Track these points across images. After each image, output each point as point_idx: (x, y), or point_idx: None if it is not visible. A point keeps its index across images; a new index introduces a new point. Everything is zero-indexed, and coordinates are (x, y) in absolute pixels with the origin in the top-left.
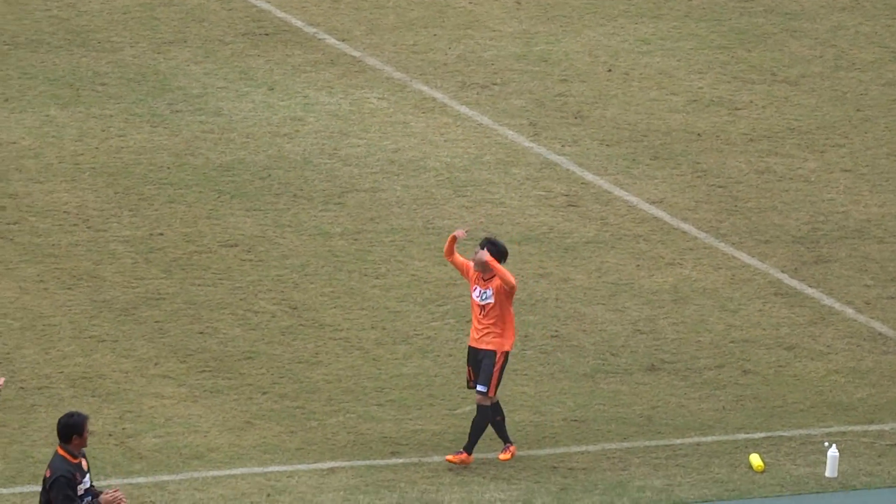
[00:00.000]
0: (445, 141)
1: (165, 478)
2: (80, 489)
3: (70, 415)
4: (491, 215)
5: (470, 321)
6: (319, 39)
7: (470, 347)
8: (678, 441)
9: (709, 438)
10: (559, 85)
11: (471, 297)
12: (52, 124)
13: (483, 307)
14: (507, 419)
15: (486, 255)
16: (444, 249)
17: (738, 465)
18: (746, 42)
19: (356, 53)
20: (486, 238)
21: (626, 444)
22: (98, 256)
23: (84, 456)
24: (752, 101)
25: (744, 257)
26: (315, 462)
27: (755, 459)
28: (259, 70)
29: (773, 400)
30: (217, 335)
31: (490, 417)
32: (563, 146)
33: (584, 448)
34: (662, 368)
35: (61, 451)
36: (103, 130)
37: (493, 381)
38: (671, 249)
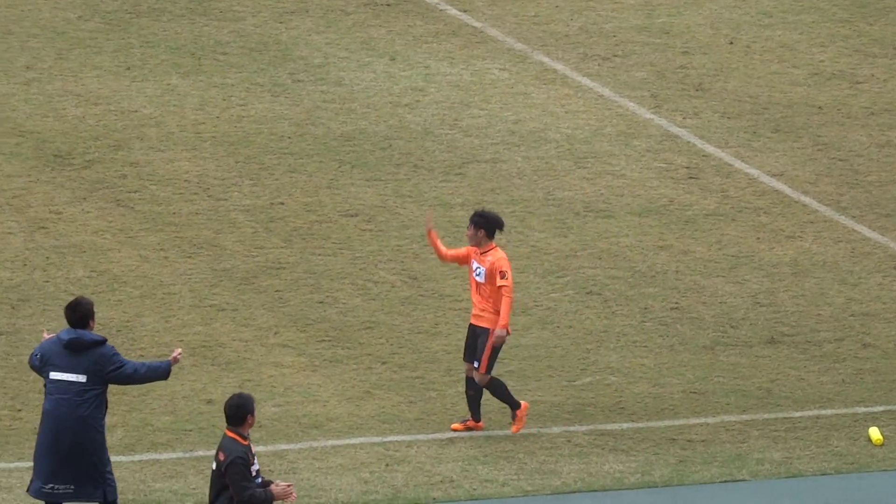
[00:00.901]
0: (566, 112)
1: (284, 447)
2: (253, 471)
3: (239, 395)
4: (611, 187)
5: None
6: (441, 10)
7: (470, 324)
8: (797, 414)
9: (828, 412)
10: (681, 57)
11: (470, 272)
12: (173, 93)
13: (478, 285)
14: (624, 390)
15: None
16: (436, 254)
17: (858, 438)
18: (868, 16)
19: (478, 24)
20: (477, 211)
21: (745, 417)
22: (218, 225)
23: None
24: (873, 75)
25: (864, 231)
26: (434, 432)
27: (874, 433)
28: (380, 40)
29: (893, 374)
30: (337, 305)
31: (497, 382)
32: (684, 118)
33: (702, 420)
34: (782, 341)
35: (231, 434)
36: (224, 100)
37: (485, 359)
38: (791, 222)
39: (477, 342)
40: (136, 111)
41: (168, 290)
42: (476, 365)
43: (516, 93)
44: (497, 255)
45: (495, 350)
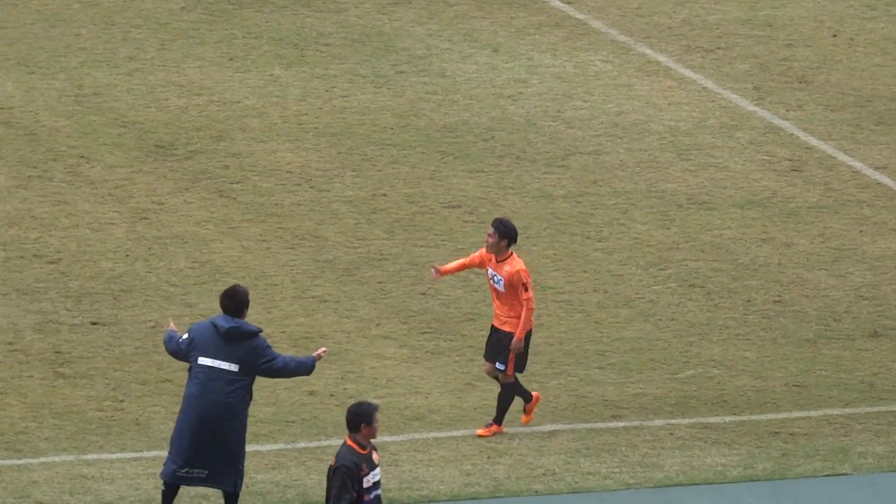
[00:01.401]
0: (669, 104)
1: (387, 439)
2: (368, 481)
3: (359, 404)
4: (714, 179)
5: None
6: (544, 2)
7: (492, 326)
8: None
9: None
10: (784, 49)
11: (487, 277)
12: (276, 84)
13: (497, 291)
14: (727, 383)
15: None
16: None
17: None
18: None
19: (581, 16)
20: (500, 220)
21: (847, 410)
22: (321, 216)
23: (374, 448)
24: None
25: None
26: (536, 424)
27: None
28: (483, 32)
29: None
30: (439, 296)
31: (513, 390)
32: (787, 111)
33: (805, 413)
34: (885, 335)
35: (349, 442)
36: (327, 91)
37: (511, 364)
38: (895, 215)
39: (500, 344)
40: (239, 102)
41: (270, 280)
42: (499, 366)
43: (619, 84)
44: (516, 266)
45: (518, 354)
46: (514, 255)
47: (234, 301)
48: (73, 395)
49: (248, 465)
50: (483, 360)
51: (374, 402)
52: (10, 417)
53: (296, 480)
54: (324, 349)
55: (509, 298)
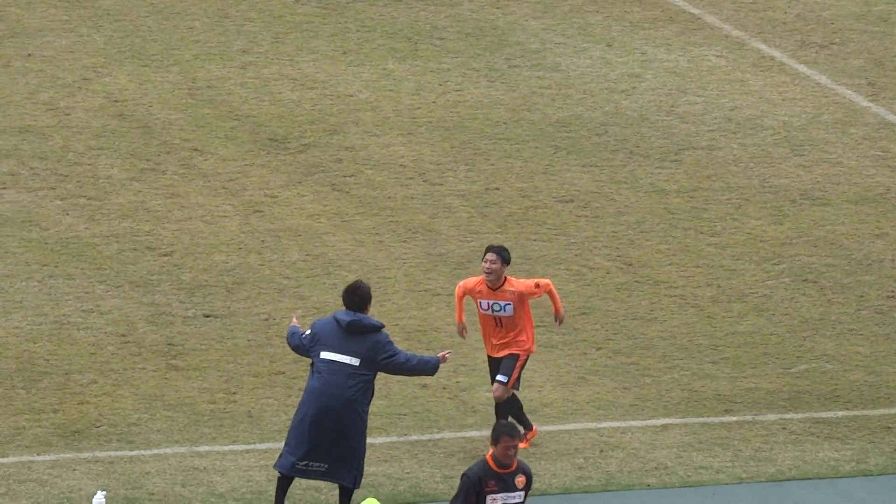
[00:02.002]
0: (783, 100)
1: None
2: (495, 500)
3: (500, 422)
4: (828, 175)
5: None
6: None
7: (490, 357)
8: None
9: None
10: None
11: (478, 309)
12: (389, 78)
13: (499, 319)
14: (840, 378)
15: (492, 265)
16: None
17: None
18: None
19: (695, 11)
20: (501, 246)
21: None
22: (434, 210)
23: (526, 473)
24: None
25: None
26: (648, 418)
27: None
28: (597, 26)
29: None
30: None
31: (515, 402)
32: None
33: None
34: None
35: (488, 455)
36: (440, 84)
37: (514, 376)
38: None
39: (500, 363)
40: (352, 95)
41: (383, 274)
42: (501, 378)
43: (733, 80)
44: (519, 282)
45: (523, 366)
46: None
47: (357, 296)
48: (185, 387)
49: None
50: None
51: (510, 423)
52: (123, 409)
53: (408, 473)
54: (448, 352)
55: (515, 319)
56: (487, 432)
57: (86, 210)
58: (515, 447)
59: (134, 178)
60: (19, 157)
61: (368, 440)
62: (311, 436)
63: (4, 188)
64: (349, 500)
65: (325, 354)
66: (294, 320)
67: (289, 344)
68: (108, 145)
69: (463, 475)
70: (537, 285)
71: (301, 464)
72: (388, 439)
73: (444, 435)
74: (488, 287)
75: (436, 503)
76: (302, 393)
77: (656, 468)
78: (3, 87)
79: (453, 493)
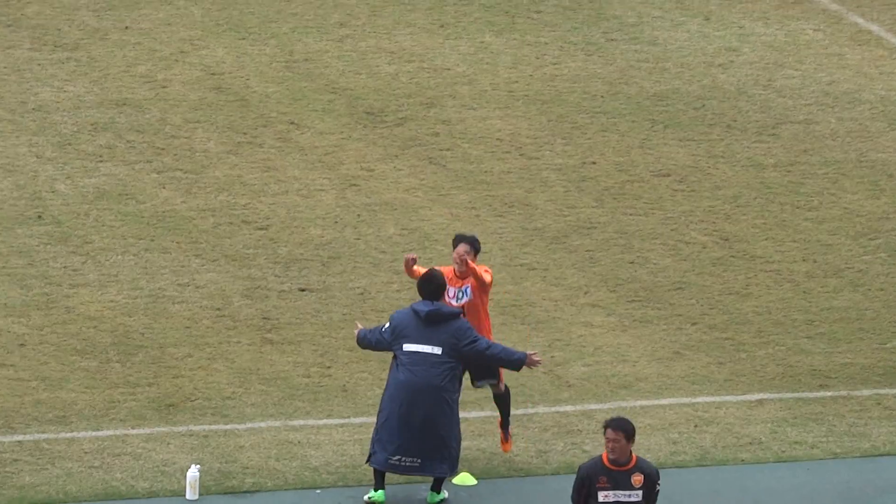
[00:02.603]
0: (881, 74)
1: (593, 406)
2: (606, 496)
3: (610, 418)
4: None
5: None
6: None
7: None
8: None
9: None
10: None
11: (447, 301)
12: (486, 51)
13: (462, 309)
14: None
15: (467, 255)
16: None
17: None
18: None
19: None
20: (459, 234)
21: None
22: (530, 184)
23: (643, 472)
24: None
25: None
26: (743, 393)
27: None
28: (695, 0)
29: None
30: (647, 265)
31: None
32: None
33: None
34: None
35: (605, 451)
36: (538, 58)
37: (501, 375)
38: None
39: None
40: (449, 69)
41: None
42: (491, 381)
43: (830, 53)
44: (480, 266)
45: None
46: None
47: (432, 285)
48: (280, 361)
49: None
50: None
51: (619, 420)
52: (218, 383)
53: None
54: (537, 355)
55: (475, 305)
56: (582, 407)
57: (182, 183)
58: (616, 441)
59: (230, 151)
60: (116, 131)
61: (463, 415)
62: (402, 430)
63: (101, 161)
64: (441, 483)
65: (407, 346)
66: (358, 326)
67: (365, 344)
68: (204, 118)
69: (578, 468)
70: (486, 271)
71: (394, 459)
72: (483, 414)
73: (539, 410)
74: (456, 276)
75: (530, 478)
76: (386, 384)
77: (751, 443)
78: (101, 60)
79: (547, 467)
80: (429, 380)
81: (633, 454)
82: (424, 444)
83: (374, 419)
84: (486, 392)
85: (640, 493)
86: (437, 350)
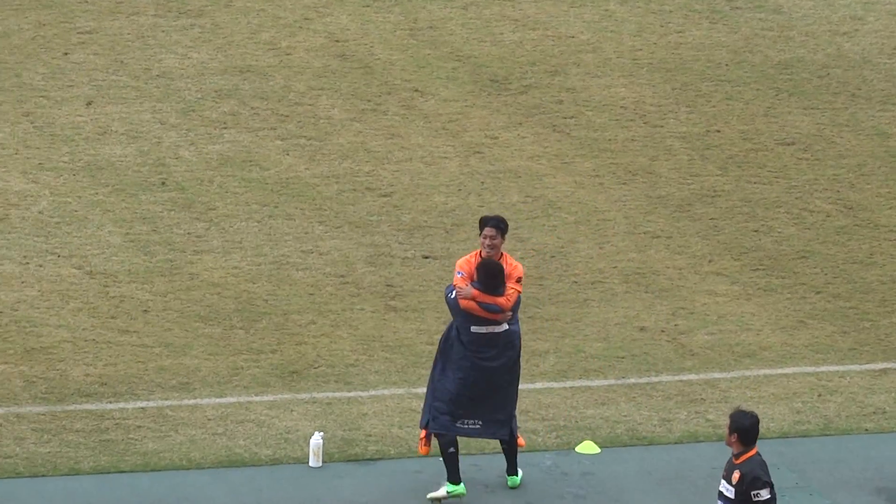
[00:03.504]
0: None
1: (717, 375)
2: (721, 482)
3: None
4: None
5: None
6: None
7: None
8: None
9: None
10: None
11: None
12: (610, 19)
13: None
14: None
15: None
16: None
17: None
18: None
19: None
20: (499, 217)
21: None
22: (654, 152)
23: (741, 469)
24: None
25: None
26: (867, 363)
27: None
28: None
29: None
30: (772, 233)
31: None
32: None
33: None
34: None
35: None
36: (662, 26)
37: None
38: None
39: None
40: (573, 37)
41: (603, 216)
42: None
43: None
44: (513, 264)
45: None
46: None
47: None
48: (403, 329)
49: (578, 400)
50: None
51: (737, 413)
52: (342, 350)
53: (625, 416)
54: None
55: None
56: (705, 376)
57: (306, 150)
58: (725, 435)
59: (355, 118)
60: (240, 97)
61: (586, 382)
62: (464, 394)
63: (225, 128)
64: (516, 454)
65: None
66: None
67: (447, 302)
68: (329, 85)
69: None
70: (519, 280)
71: (457, 423)
72: (606, 382)
73: (662, 378)
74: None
75: (653, 446)
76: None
77: (874, 413)
78: (225, 27)
79: (671, 436)
80: (489, 341)
81: (752, 451)
82: (486, 407)
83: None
84: (610, 359)
85: (733, 490)
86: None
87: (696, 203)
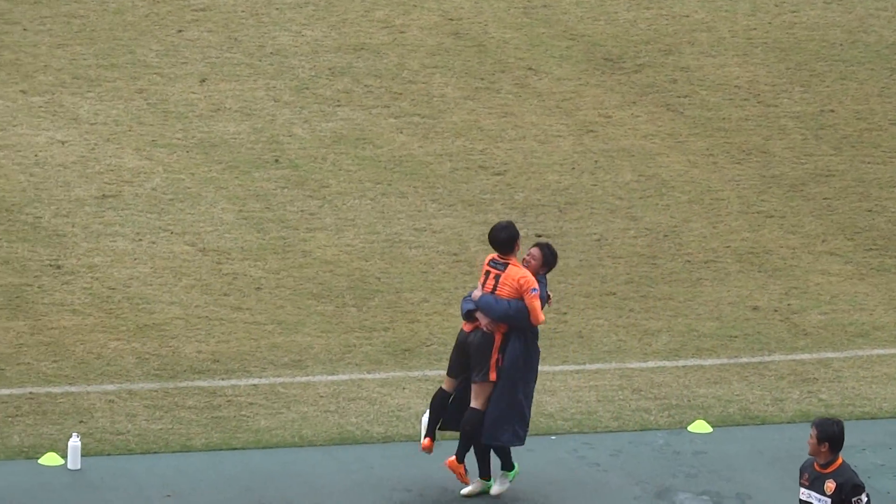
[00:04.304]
0: None
1: (829, 355)
2: (802, 493)
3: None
4: None
5: None
6: None
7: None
8: None
9: None
10: None
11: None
12: None
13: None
14: None
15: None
16: None
17: None
18: None
19: None
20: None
21: None
22: (768, 132)
23: (835, 478)
24: None
25: None
26: None
27: None
28: None
29: None
30: (885, 213)
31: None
32: None
33: None
34: None
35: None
36: (777, 6)
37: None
38: None
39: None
40: (688, 16)
41: (716, 195)
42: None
43: None
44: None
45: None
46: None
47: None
48: None
49: (690, 379)
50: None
51: (820, 421)
52: (454, 328)
53: (737, 395)
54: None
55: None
56: (818, 355)
57: (419, 128)
58: (811, 439)
59: (468, 96)
60: (354, 75)
61: (698, 362)
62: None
63: (339, 106)
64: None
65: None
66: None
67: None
68: (442, 64)
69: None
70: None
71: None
72: (719, 361)
73: (775, 357)
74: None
75: (766, 426)
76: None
77: None
78: (339, 5)
79: (783, 415)
80: None
81: (839, 460)
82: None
83: (610, 366)
84: (723, 338)
85: (828, 500)
86: None
87: (810, 182)
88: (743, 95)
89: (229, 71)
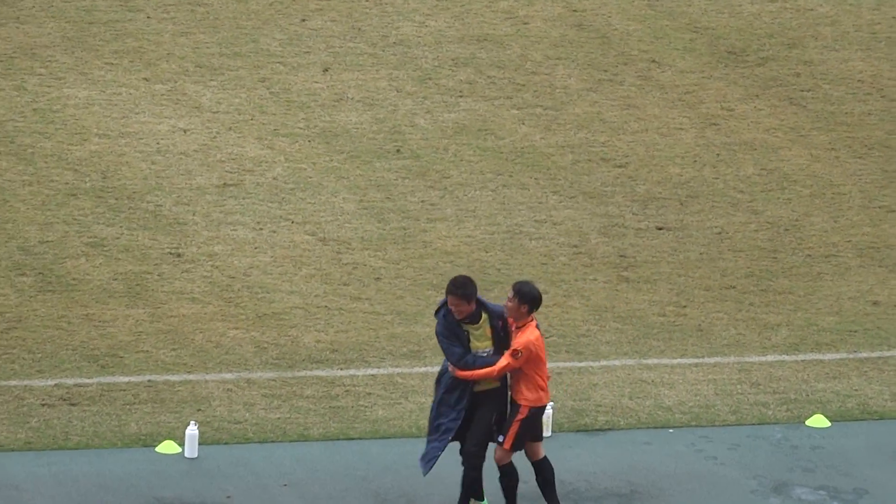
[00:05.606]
0: None
1: None
2: None
3: None
4: None
5: None
6: None
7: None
8: None
9: None
10: None
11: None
12: None
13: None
14: None
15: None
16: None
17: None
18: None
19: None
20: (519, 282)
21: None
22: (891, 126)
23: None
24: None
25: None
26: None
27: None
28: None
29: None
30: None
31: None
32: None
33: None
34: None
35: None
36: None
37: (513, 433)
38: None
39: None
40: (812, 9)
41: (838, 189)
42: (499, 438)
43: None
44: (528, 336)
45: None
46: (534, 324)
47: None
48: (635, 300)
49: (809, 373)
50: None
51: None
52: (573, 320)
53: (856, 390)
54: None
55: (522, 370)
56: None
57: (542, 120)
58: None
59: (591, 88)
60: (477, 66)
61: (818, 356)
62: None
63: (461, 96)
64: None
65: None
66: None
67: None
68: (565, 55)
69: None
70: (514, 354)
71: None
72: (837, 356)
73: (895, 353)
74: (514, 323)
75: (884, 421)
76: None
77: None
78: None
79: None
80: None
81: None
82: None
83: (728, 359)
84: (842, 333)
85: None
86: None
87: None
88: (866, 90)
89: (352, 61)
